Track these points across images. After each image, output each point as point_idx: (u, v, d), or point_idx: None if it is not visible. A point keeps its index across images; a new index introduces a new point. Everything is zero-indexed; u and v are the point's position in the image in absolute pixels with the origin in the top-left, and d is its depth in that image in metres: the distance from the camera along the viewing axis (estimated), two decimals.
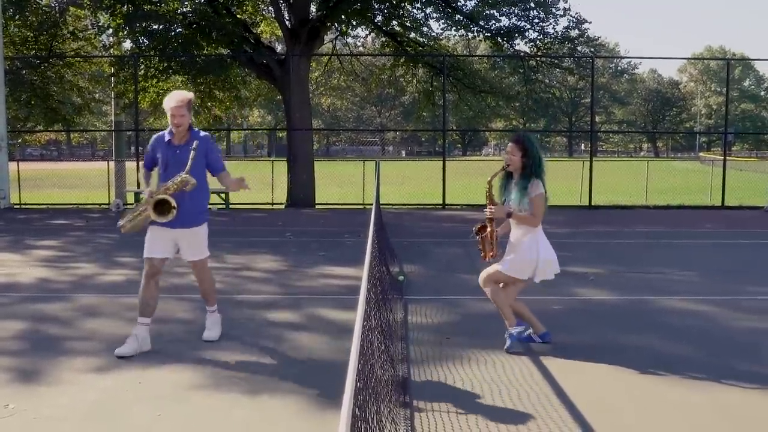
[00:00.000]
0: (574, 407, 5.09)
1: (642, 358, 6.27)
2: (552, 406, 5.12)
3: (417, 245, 13.14)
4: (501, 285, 6.48)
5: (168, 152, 6.51)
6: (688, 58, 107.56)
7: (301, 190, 22.18)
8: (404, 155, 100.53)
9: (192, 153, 6.29)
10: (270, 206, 22.61)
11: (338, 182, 27.33)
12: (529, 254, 6.36)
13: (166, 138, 6.55)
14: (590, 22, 33.71)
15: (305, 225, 16.99)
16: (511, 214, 6.40)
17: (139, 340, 6.36)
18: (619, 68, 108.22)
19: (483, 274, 6.56)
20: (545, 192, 6.40)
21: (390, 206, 21.23)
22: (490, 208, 6.50)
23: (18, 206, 21.70)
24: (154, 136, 6.69)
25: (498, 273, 6.45)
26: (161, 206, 6.26)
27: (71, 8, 24.62)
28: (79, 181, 29.31)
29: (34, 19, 25.20)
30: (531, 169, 6.34)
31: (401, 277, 9.72)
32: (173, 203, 6.25)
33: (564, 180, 25.90)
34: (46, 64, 25.93)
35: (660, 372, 5.88)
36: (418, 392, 5.40)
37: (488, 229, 6.53)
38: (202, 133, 6.63)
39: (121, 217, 6.66)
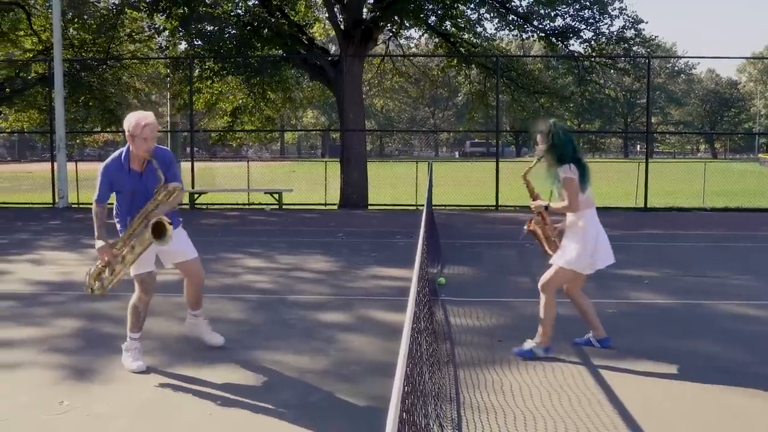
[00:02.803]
0: (627, 414, 5.00)
1: (698, 364, 6.15)
2: (604, 412, 5.03)
3: (470, 247, 13.07)
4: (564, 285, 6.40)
5: (132, 180, 5.90)
6: (746, 58, 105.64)
7: (354, 191, 22.22)
8: (457, 156, 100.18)
9: (158, 171, 5.76)
10: (323, 207, 22.70)
11: (391, 183, 27.32)
12: (579, 245, 6.21)
13: (126, 167, 5.89)
14: (646, 22, 33.17)
15: (357, 226, 17.00)
16: (548, 206, 6.35)
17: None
18: (676, 68, 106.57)
19: (543, 278, 6.40)
20: (581, 174, 6.17)
21: (443, 207, 21.17)
22: (532, 203, 6.48)
23: (76, 205, 22.06)
24: (108, 167, 5.90)
25: (559, 271, 6.31)
26: (158, 230, 5.66)
27: (128, 11, 25.00)
28: None
29: (92, 22, 25.68)
30: (558, 157, 6.19)
31: (442, 279, 9.63)
32: (167, 221, 5.68)
33: (619, 182, 25.60)
34: (103, 66, 26.42)
35: (716, 379, 5.75)
36: (467, 395, 5.36)
37: (533, 225, 6.49)
38: (160, 147, 6.02)
39: (90, 279, 6.09)
